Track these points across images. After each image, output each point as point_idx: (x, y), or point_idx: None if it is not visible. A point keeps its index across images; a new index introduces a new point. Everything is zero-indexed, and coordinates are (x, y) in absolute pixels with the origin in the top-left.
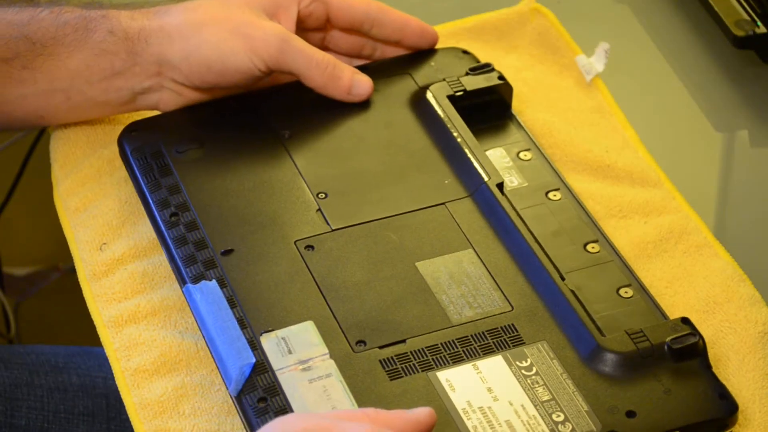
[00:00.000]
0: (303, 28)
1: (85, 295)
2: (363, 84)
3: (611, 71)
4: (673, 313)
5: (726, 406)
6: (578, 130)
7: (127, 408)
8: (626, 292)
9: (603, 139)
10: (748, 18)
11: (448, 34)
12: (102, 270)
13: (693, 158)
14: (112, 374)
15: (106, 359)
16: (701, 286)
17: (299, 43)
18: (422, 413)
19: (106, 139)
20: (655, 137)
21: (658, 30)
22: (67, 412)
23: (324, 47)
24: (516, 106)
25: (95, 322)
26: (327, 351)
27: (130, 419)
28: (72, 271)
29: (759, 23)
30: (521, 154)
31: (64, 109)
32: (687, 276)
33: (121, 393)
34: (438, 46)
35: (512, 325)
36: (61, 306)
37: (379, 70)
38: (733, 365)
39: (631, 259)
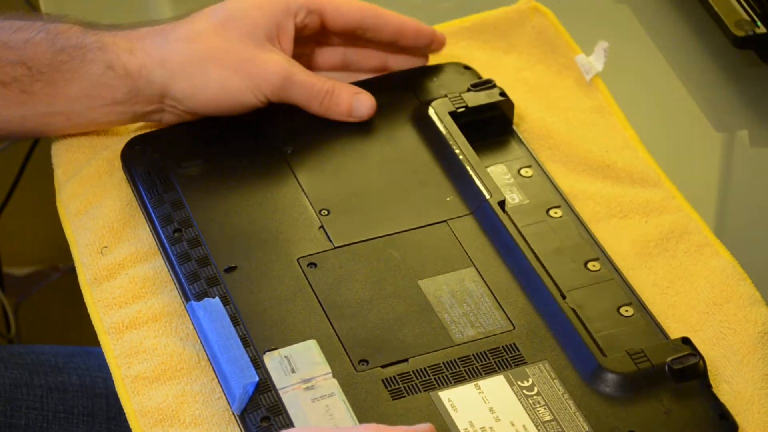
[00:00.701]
0: (298, 38)
1: (85, 301)
2: (364, 105)
3: (611, 71)
4: (675, 313)
5: (726, 427)
6: (578, 130)
7: (127, 415)
8: (627, 311)
9: (603, 139)
10: (747, 18)
11: (447, 34)
12: (103, 274)
13: (693, 158)
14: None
15: (106, 359)
16: (702, 285)
17: (300, 76)
18: (423, 429)
19: (107, 141)
20: (655, 137)
21: (658, 30)
22: (67, 412)
23: (318, 45)
24: (517, 106)
25: (96, 328)
26: (330, 370)
27: (130, 426)
28: (72, 270)
29: (759, 23)
30: (522, 171)
31: (65, 128)
32: (688, 276)
33: (121, 400)
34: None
35: (514, 344)
36: (61, 306)
37: (381, 86)
38: (732, 366)
39: (632, 258)
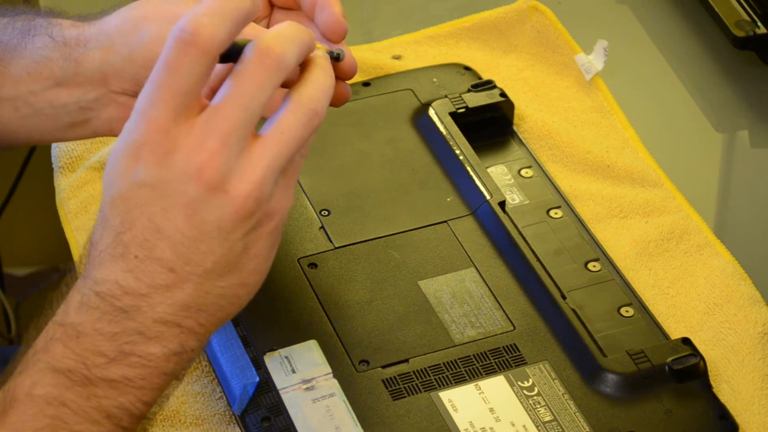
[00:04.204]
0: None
1: None
2: None
3: (611, 71)
4: (675, 313)
5: (726, 428)
6: (578, 130)
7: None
8: (627, 311)
9: (603, 139)
10: (748, 18)
11: (447, 34)
12: None
13: (693, 158)
14: None
15: None
16: (702, 286)
17: None
18: None
19: (107, 139)
20: (656, 137)
21: (659, 30)
22: None
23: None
24: (517, 106)
25: None
26: (330, 370)
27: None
28: (73, 271)
29: (759, 24)
30: (522, 171)
31: (15, 121)
32: (688, 276)
33: None
34: (438, 49)
35: (514, 344)
36: None
37: (382, 87)
38: (733, 366)
39: (632, 258)
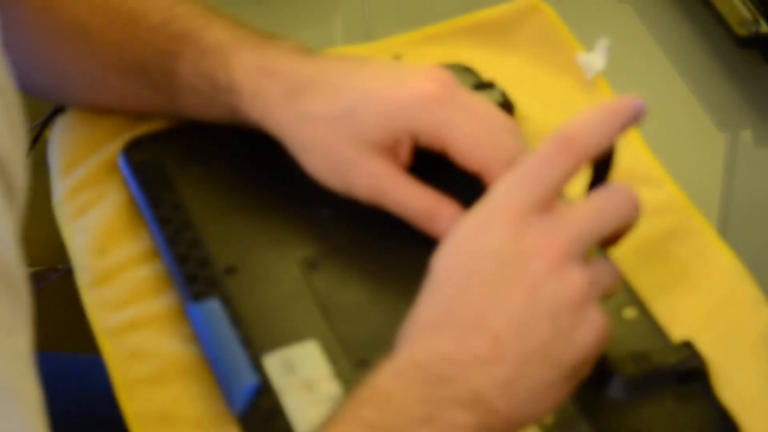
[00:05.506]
0: None
1: (84, 303)
2: None
3: (613, 71)
4: (677, 314)
5: (728, 429)
6: None
7: (126, 418)
8: (629, 313)
9: None
10: (751, 17)
11: (448, 33)
12: (101, 277)
13: (696, 158)
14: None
15: (105, 362)
16: (705, 287)
17: (392, 194)
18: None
19: (106, 141)
20: (658, 137)
21: (661, 29)
22: (66, 415)
23: None
24: (518, 106)
25: (95, 331)
26: (330, 371)
27: (130, 429)
28: (71, 272)
29: (762, 23)
30: None
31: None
32: (691, 277)
33: (119, 403)
34: (438, 48)
35: None
36: (60, 307)
37: None
38: (735, 368)
39: (633, 259)
